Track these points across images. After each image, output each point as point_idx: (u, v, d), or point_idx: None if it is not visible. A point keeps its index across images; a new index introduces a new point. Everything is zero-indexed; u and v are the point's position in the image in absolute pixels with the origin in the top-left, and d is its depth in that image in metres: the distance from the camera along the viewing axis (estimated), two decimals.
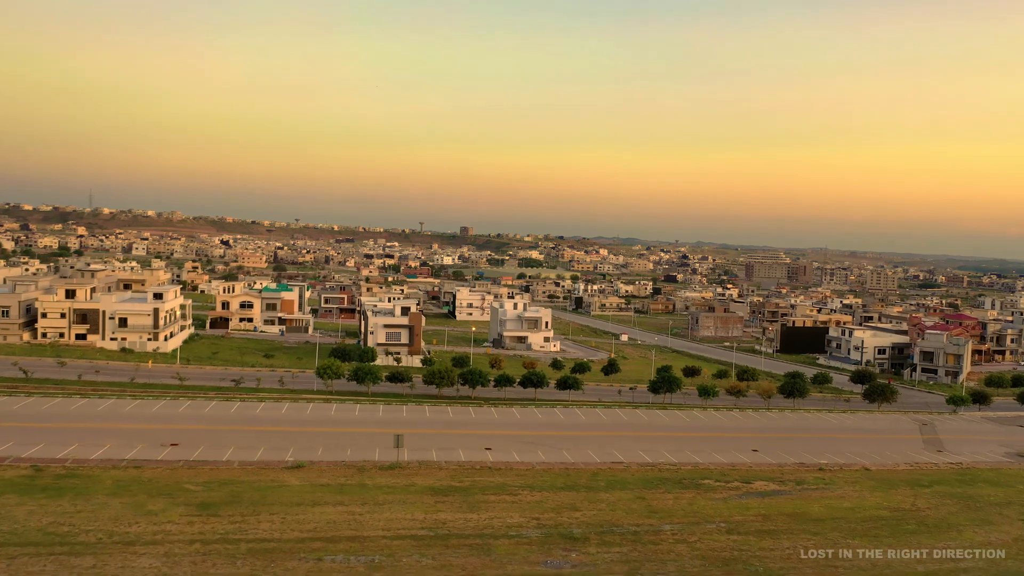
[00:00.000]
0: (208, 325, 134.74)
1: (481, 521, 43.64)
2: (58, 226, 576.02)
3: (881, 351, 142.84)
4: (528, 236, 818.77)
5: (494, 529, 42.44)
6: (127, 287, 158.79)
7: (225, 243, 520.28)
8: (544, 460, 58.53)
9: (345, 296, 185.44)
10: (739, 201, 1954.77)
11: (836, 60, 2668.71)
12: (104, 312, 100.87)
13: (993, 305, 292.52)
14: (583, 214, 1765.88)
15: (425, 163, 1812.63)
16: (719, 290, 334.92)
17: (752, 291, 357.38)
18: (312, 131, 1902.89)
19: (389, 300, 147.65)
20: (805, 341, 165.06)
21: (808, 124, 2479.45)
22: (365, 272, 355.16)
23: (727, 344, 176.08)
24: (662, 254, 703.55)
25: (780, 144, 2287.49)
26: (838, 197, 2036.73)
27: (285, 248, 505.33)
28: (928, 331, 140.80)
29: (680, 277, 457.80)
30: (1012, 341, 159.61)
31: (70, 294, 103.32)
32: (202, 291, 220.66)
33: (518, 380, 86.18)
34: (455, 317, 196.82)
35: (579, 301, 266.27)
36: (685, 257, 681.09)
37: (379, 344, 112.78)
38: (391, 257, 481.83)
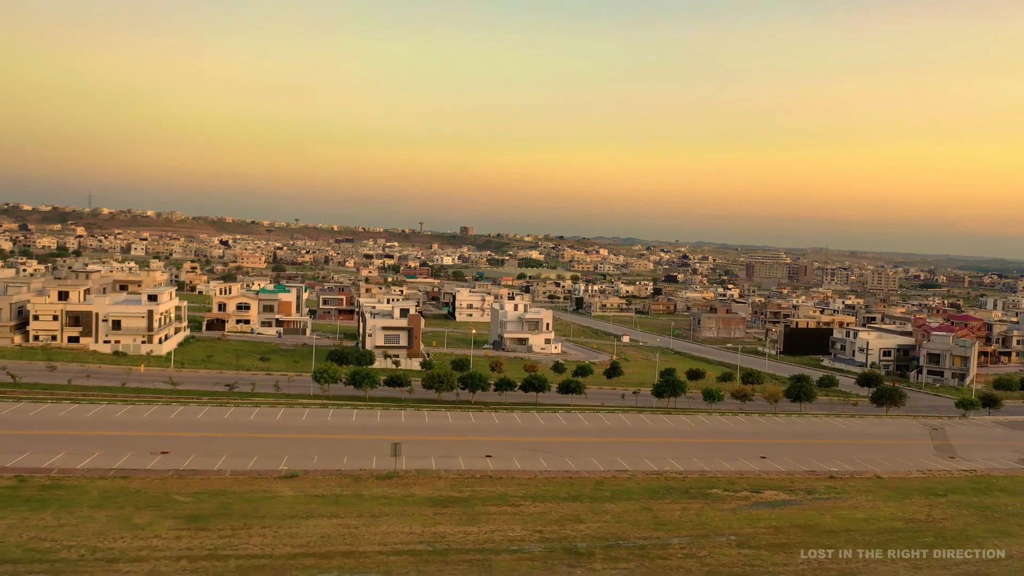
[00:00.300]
0: (204, 327, 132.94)
1: (481, 535, 41.87)
2: (57, 226, 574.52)
3: (886, 353, 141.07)
4: (528, 236, 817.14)
5: (495, 544, 40.67)
6: (123, 288, 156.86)
7: (224, 243, 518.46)
8: (546, 468, 56.76)
9: (344, 297, 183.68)
10: (739, 201, 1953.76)
11: (836, 60, 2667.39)
12: (97, 314, 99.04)
13: (995, 305, 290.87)
14: (583, 214, 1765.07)
15: (425, 163, 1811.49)
16: (720, 290, 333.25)
17: (753, 291, 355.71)
18: (312, 131, 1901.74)
19: (388, 301, 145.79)
20: (808, 342, 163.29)
21: (808, 124, 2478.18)
22: (364, 272, 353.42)
23: (730, 345, 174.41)
24: (662, 254, 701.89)
25: (780, 144, 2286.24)
26: (838, 197, 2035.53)
27: (284, 248, 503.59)
28: (934, 332, 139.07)
29: (681, 277, 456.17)
30: (1018, 343, 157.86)
31: (63, 296, 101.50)
32: (200, 292, 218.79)
33: (519, 384, 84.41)
34: (455, 318, 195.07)
35: (580, 302, 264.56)
36: (685, 257, 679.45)
37: (377, 347, 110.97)
38: (391, 257, 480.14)
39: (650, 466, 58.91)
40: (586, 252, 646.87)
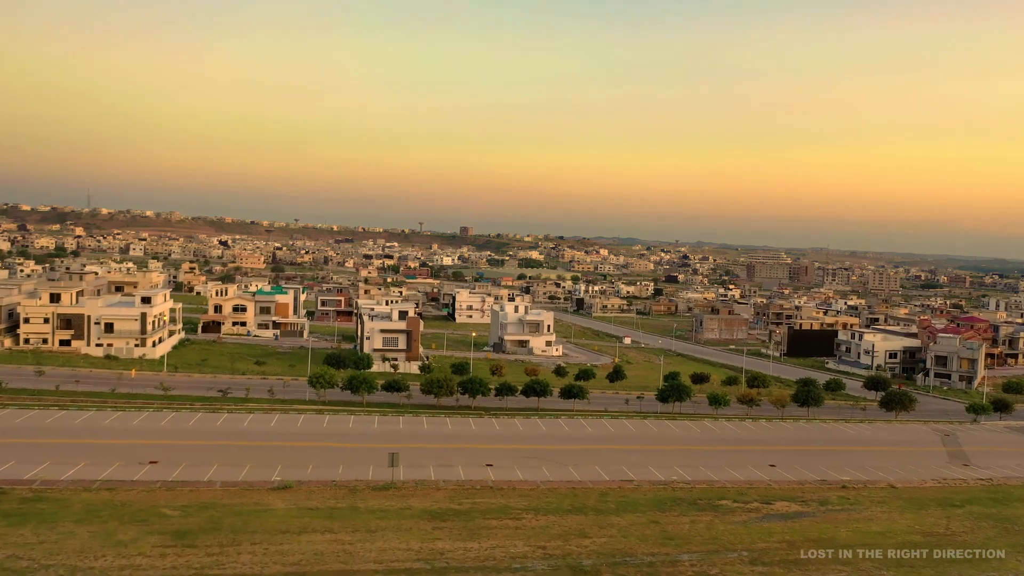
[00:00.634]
0: (200, 329, 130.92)
1: (482, 551, 39.92)
2: (56, 226, 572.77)
3: (892, 355, 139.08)
4: (528, 236, 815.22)
5: (496, 561, 38.73)
6: (119, 289, 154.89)
7: (224, 243, 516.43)
8: (549, 478, 54.81)
9: (342, 298, 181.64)
10: (739, 201, 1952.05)
11: (836, 60, 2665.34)
12: (89, 317, 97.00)
13: (998, 306, 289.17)
14: (583, 214, 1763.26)
15: (425, 163, 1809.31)
16: (721, 291, 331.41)
17: (754, 292, 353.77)
18: (311, 131, 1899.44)
19: (387, 303, 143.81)
20: (812, 344, 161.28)
21: (808, 124, 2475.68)
22: (364, 273, 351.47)
23: (733, 347, 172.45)
24: (663, 254, 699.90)
25: (780, 144, 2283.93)
26: (838, 197, 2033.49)
27: (284, 248, 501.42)
28: (940, 334, 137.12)
29: (681, 277, 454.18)
30: None
31: (55, 298, 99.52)
32: (198, 293, 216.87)
33: (520, 389, 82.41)
34: (455, 319, 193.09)
35: (580, 302, 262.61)
36: (686, 257, 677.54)
37: (375, 350, 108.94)
38: (390, 258, 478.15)
39: (656, 475, 56.97)
40: (586, 252, 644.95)
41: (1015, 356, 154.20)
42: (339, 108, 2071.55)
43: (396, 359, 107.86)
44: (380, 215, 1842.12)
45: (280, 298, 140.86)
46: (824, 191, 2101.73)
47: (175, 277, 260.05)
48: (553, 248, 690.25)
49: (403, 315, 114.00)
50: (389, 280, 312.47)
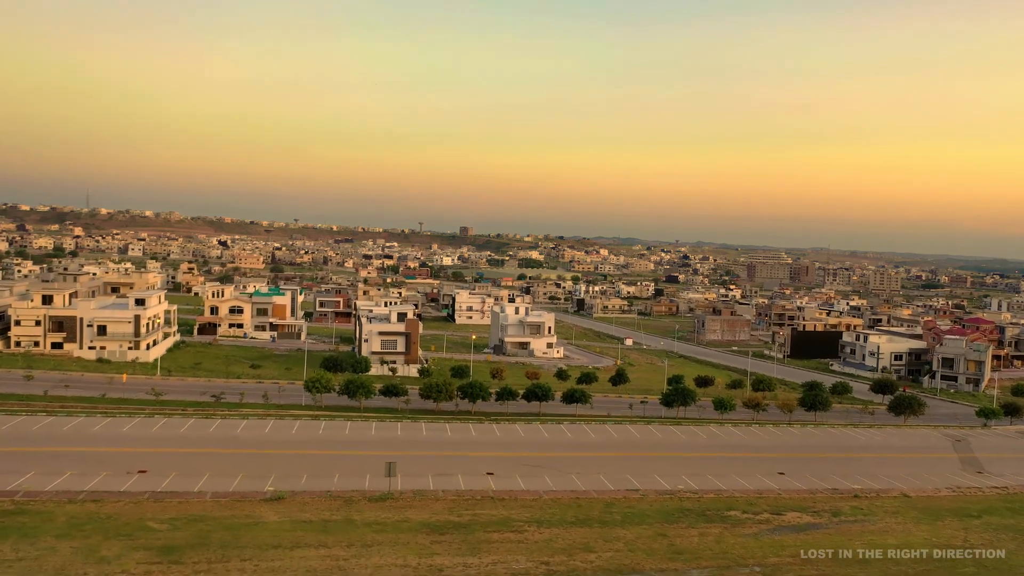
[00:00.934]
0: (196, 331, 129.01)
1: (483, 568, 38.07)
2: (55, 226, 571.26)
3: (898, 357, 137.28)
4: (528, 236, 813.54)
5: None
6: (115, 290, 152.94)
7: (223, 243, 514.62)
8: (552, 487, 52.99)
9: (341, 299, 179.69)
10: (739, 201, 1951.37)
11: (836, 60, 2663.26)
12: (82, 319, 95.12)
13: (1000, 306, 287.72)
14: (583, 214, 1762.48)
15: (425, 163, 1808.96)
16: (722, 291, 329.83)
17: (755, 292, 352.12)
18: (311, 131, 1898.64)
19: (385, 304, 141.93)
20: (817, 346, 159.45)
21: (808, 124, 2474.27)
22: (364, 273, 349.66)
23: (735, 348, 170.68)
24: (663, 254, 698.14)
25: (780, 144, 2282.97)
26: (838, 197, 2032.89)
27: (283, 249, 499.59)
28: (946, 336, 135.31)
29: (682, 278, 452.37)
30: None
31: (47, 300, 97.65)
32: (196, 293, 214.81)
33: (521, 393, 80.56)
34: (454, 321, 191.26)
35: (581, 303, 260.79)
36: (686, 257, 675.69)
37: (374, 352, 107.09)
38: (390, 258, 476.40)
39: (663, 484, 55.14)
40: (586, 252, 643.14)
41: (1021, 358, 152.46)
42: (339, 108, 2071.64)
43: (394, 362, 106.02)
44: (380, 215, 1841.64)
45: (277, 299, 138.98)
46: (824, 191, 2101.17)
47: (173, 278, 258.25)
48: (553, 248, 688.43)
49: (402, 317, 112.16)
50: (389, 280, 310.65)
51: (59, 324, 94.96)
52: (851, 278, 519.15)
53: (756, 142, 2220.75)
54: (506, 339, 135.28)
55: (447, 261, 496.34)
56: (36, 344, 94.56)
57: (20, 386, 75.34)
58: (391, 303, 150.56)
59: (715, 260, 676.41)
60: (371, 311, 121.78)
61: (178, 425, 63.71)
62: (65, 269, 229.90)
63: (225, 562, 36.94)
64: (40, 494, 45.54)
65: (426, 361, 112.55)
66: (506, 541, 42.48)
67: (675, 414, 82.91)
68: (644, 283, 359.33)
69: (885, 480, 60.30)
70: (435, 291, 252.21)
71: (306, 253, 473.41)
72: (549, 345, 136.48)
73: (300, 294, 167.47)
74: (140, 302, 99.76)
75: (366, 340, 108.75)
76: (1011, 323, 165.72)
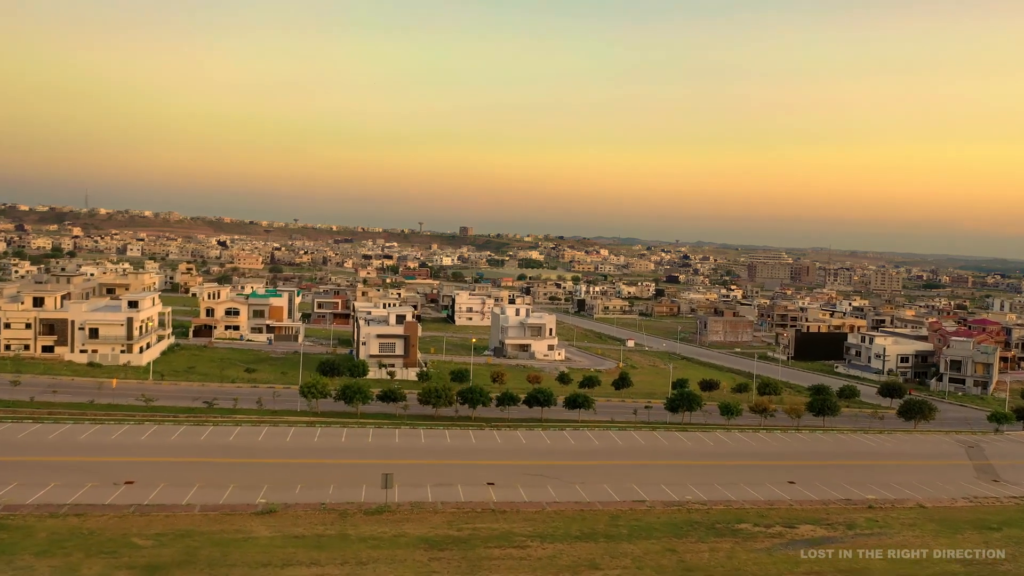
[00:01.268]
0: (191, 333, 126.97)
1: None
2: (54, 227, 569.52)
3: (904, 359, 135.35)
4: (528, 236, 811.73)
5: None
6: (110, 291, 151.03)
7: (222, 244, 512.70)
8: (555, 498, 51.01)
9: (339, 300, 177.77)
10: (739, 201, 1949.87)
11: (836, 60, 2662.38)
12: (73, 322, 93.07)
13: (1003, 307, 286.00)
14: (583, 214, 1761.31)
15: (425, 163, 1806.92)
16: (723, 291, 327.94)
17: (756, 292, 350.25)
18: (311, 131, 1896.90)
19: (384, 306, 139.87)
20: (821, 348, 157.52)
21: (808, 124, 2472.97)
22: (363, 274, 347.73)
23: (738, 350, 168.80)
24: (663, 254, 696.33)
25: (780, 144, 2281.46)
26: (838, 197, 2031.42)
27: (283, 249, 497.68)
28: (953, 338, 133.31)
29: (682, 278, 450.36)
30: None
31: (38, 302, 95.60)
32: (194, 294, 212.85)
33: (523, 399, 78.57)
34: (454, 322, 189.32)
35: (581, 303, 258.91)
36: (686, 257, 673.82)
37: (372, 356, 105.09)
38: (390, 258, 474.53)
39: (670, 495, 53.15)
40: (586, 252, 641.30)
41: None
42: (339, 108, 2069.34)
43: (393, 365, 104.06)
44: (380, 215, 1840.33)
45: (274, 301, 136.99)
46: (824, 191, 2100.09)
47: (172, 278, 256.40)
48: (553, 248, 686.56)
49: (400, 319, 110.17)
50: (388, 281, 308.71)
51: (50, 327, 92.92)
52: (852, 278, 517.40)
53: (756, 142, 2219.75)
54: (507, 341, 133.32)
55: (447, 261, 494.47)
56: (26, 347, 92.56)
57: (7, 391, 73.26)
58: (390, 304, 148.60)
59: (715, 260, 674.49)
60: (369, 313, 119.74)
61: (169, 433, 61.70)
62: (63, 270, 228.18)
63: None
64: (20, 507, 43.60)
65: (425, 364, 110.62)
66: (508, 558, 40.55)
67: (680, 419, 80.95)
68: (645, 283, 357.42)
69: (899, 489, 58.35)
70: (435, 292, 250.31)
71: (305, 253, 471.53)
72: (550, 347, 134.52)
73: (298, 295, 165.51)
74: (133, 304, 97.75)
75: (364, 343, 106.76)
76: (1017, 324, 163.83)
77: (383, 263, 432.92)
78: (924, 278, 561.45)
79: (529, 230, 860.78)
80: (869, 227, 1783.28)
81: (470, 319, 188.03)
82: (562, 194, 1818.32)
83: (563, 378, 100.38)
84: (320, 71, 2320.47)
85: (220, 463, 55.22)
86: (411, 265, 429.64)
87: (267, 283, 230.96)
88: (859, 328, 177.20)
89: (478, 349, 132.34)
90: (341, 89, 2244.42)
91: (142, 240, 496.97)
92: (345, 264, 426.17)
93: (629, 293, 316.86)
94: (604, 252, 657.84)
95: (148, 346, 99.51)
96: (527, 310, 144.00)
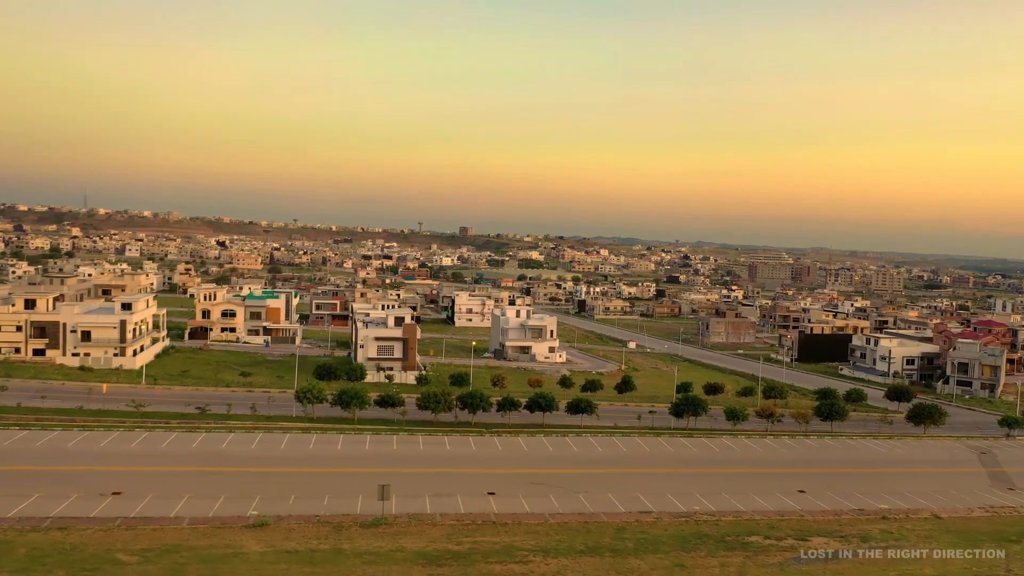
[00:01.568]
0: (187, 335, 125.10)
1: None
2: (53, 227, 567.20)
3: (909, 361, 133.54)
4: (528, 236, 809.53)
5: None
6: (105, 293, 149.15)
7: (221, 244, 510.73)
8: (558, 509, 49.22)
9: (338, 302, 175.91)
10: (739, 201, 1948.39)
11: (836, 60, 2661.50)
12: (64, 325, 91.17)
13: (1005, 307, 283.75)
14: (583, 214, 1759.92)
15: (425, 163, 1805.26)
16: (724, 292, 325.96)
17: (757, 292, 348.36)
18: (311, 131, 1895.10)
19: (383, 307, 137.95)
20: (825, 349, 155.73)
21: (808, 124, 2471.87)
22: (362, 274, 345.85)
23: (741, 352, 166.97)
24: (663, 254, 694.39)
25: (780, 144, 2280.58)
26: (838, 197, 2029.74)
27: (282, 249, 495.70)
28: (959, 340, 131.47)
29: (683, 278, 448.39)
30: None
31: (29, 304, 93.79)
32: (191, 295, 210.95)
33: (524, 404, 76.68)
34: (454, 323, 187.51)
35: (582, 304, 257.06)
36: (686, 257, 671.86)
37: (370, 359, 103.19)
38: (389, 258, 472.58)
39: (677, 505, 51.36)
40: (586, 252, 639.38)
41: None
42: (339, 108, 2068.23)
43: (391, 368, 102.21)
44: (379, 215, 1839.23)
45: (271, 303, 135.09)
46: (824, 191, 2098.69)
47: (170, 279, 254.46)
48: (553, 248, 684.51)
49: (399, 322, 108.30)
50: (388, 281, 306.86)
51: (41, 330, 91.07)
52: (853, 278, 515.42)
53: (756, 142, 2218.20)
54: (507, 343, 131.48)
55: (447, 261, 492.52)
56: (17, 351, 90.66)
57: None
58: (389, 306, 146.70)
59: (715, 260, 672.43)
60: (368, 315, 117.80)
61: (159, 440, 59.88)
62: (60, 270, 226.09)
63: None
64: (2, 521, 41.86)
65: (424, 367, 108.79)
66: (510, 574, 38.82)
67: (685, 424, 79.12)
68: (645, 284, 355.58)
69: (912, 498, 56.58)
70: (434, 292, 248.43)
71: (305, 253, 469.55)
72: (551, 349, 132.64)
73: (296, 296, 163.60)
74: (126, 306, 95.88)
75: (362, 346, 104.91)
76: (1022, 325, 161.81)
77: (383, 263, 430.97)
78: (925, 278, 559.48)
79: (529, 230, 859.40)
80: (869, 227, 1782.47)
81: (470, 320, 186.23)
82: (562, 194, 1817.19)
83: (565, 382, 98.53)
84: (320, 71, 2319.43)
85: (211, 472, 53.44)
86: (411, 265, 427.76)
87: (266, 284, 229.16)
88: (862, 329, 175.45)
89: (478, 351, 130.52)
90: (341, 89, 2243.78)
91: (141, 240, 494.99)
92: (345, 264, 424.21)
93: (630, 294, 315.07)
94: (604, 252, 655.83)
95: (142, 349, 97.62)
96: (528, 311, 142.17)
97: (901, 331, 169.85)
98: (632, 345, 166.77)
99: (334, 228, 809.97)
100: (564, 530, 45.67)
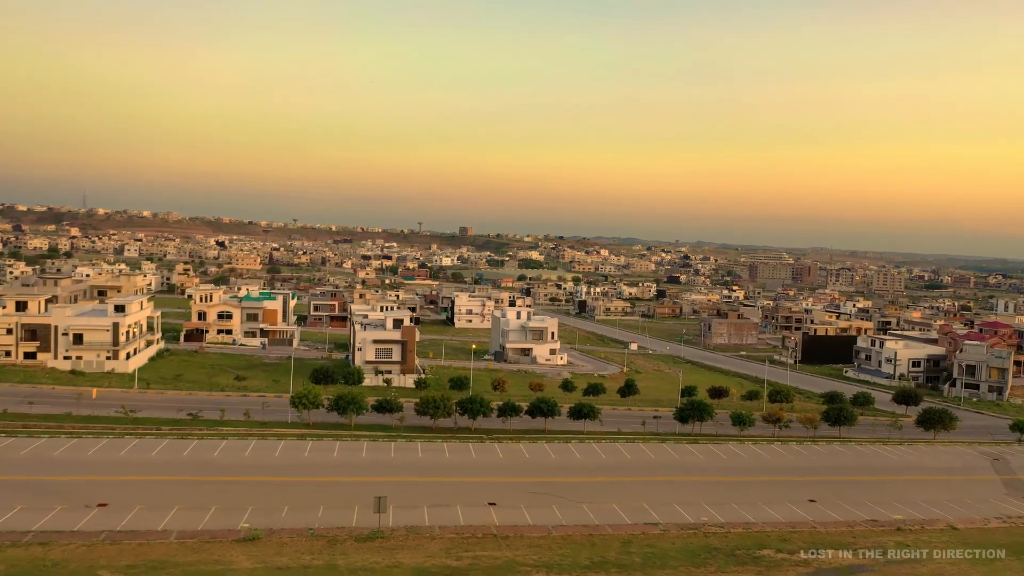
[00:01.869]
0: (183, 338, 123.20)
1: None
2: (52, 227, 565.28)
3: (915, 363, 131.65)
4: (528, 236, 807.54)
5: None
6: (101, 294, 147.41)
7: (220, 244, 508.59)
8: (561, 521, 47.41)
9: (336, 303, 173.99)
10: (739, 201, 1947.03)
11: (836, 60, 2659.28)
12: (56, 327, 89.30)
13: (1007, 307, 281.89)
14: (583, 214, 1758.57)
15: (424, 163, 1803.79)
16: (724, 292, 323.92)
17: (758, 293, 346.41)
18: (311, 131, 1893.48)
19: (382, 309, 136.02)
20: (829, 351, 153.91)
21: (808, 124, 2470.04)
22: (362, 274, 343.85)
23: (744, 353, 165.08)
24: (663, 254, 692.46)
25: (780, 144, 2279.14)
26: (838, 197, 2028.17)
27: (281, 249, 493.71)
28: (965, 342, 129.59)
29: (683, 278, 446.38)
30: None
31: (20, 306, 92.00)
32: (189, 296, 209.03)
33: (525, 409, 74.81)
34: (454, 324, 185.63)
35: (582, 305, 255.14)
36: (687, 257, 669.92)
37: (368, 362, 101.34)
38: (389, 258, 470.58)
39: (685, 516, 49.55)
40: (586, 252, 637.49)
41: None
42: (339, 108, 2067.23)
43: (390, 372, 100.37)
44: (379, 215, 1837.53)
45: (268, 304, 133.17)
46: (824, 191, 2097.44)
47: (168, 279, 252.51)
48: (553, 248, 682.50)
49: (398, 324, 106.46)
50: (387, 282, 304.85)
51: (32, 332, 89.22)
52: (853, 279, 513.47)
53: (756, 142, 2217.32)
54: (507, 345, 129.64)
55: (446, 261, 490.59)
56: (8, 354, 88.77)
57: None
58: (388, 307, 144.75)
59: (716, 260, 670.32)
60: (366, 316, 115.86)
61: (149, 448, 58.05)
62: (57, 271, 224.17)
63: None
64: None
65: (424, 370, 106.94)
66: None
67: (690, 430, 77.26)
68: (645, 284, 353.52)
69: (927, 508, 54.78)
70: (434, 293, 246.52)
71: (304, 254, 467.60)
72: (552, 351, 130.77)
73: (293, 297, 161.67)
74: (120, 308, 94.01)
75: (360, 348, 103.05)
76: None
77: (382, 263, 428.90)
78: (926, 278, 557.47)
79: (529, 230, 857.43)
80: (869, 227, 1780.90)
81: (470, 321, 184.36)
82: (562, 194, 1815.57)
83: (567, 385, 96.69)
84: (320, 70, 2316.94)
85: (202, 482, 51.62)
86: (410, 266, 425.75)
87: (264, 284, 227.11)
88: (866, 330, 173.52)
89: (478, 353, 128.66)
90: (341, 89, 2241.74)
91: (140, 240, 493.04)
92: (344, 264, 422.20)
93: (630, 294, 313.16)
94: (604, 252, 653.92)
95: (135, 352, 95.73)
96: (528, 313, 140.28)
97: (906, 333, 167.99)
98: (634, 346, 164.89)
99: (334, 228, 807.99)
100: (568, 544, 43.88)
